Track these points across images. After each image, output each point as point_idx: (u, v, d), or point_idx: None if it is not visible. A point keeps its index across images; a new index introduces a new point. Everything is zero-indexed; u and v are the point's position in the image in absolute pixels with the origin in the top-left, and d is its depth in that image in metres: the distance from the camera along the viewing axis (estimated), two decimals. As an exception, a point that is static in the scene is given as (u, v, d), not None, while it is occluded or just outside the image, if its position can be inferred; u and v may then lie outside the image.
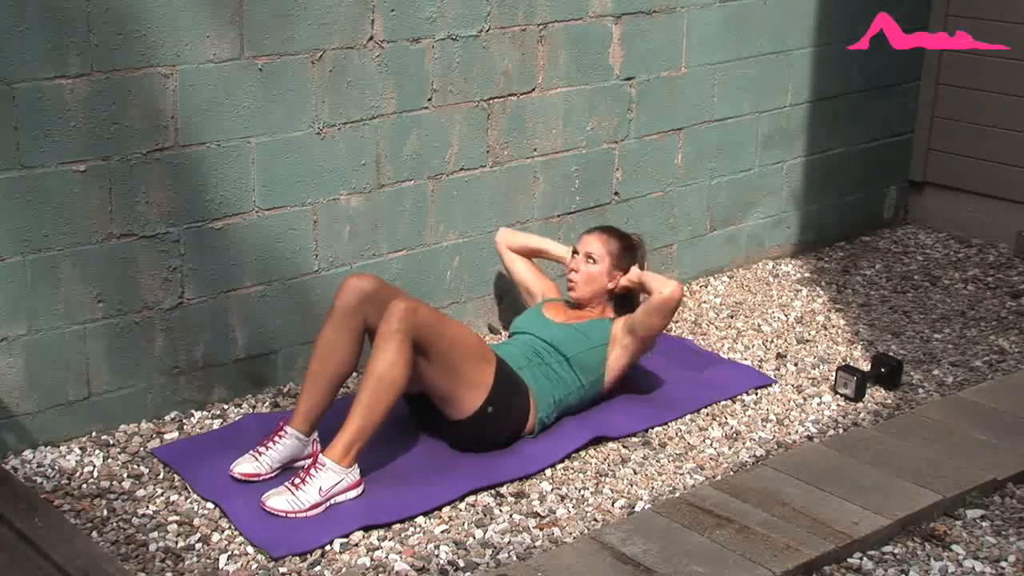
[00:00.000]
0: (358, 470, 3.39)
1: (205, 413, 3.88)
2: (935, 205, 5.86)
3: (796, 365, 4.40)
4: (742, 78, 5.04)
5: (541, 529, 3.33)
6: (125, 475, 3.51)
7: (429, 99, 4.16)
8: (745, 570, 3.01)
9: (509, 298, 4.56)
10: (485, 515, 3.39)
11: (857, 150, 5.61)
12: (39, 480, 3.47)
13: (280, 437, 3.50)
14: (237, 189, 3.81)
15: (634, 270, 4.02)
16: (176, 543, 3.20)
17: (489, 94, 4.30)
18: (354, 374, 3.87)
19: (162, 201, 3.67)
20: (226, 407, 3.93)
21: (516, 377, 3.68)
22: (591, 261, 4.01)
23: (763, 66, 5.10)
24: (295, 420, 3.51)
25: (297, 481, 3.33)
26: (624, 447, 3.79)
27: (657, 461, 3.72)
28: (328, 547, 3.20)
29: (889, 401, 4.14)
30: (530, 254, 4.32)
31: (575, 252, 4.06)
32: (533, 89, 4.42)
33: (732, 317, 4.81)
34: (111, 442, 3.68)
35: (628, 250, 4.05)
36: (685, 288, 5.02)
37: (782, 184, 5.36)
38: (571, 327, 3.94)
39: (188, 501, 3.40)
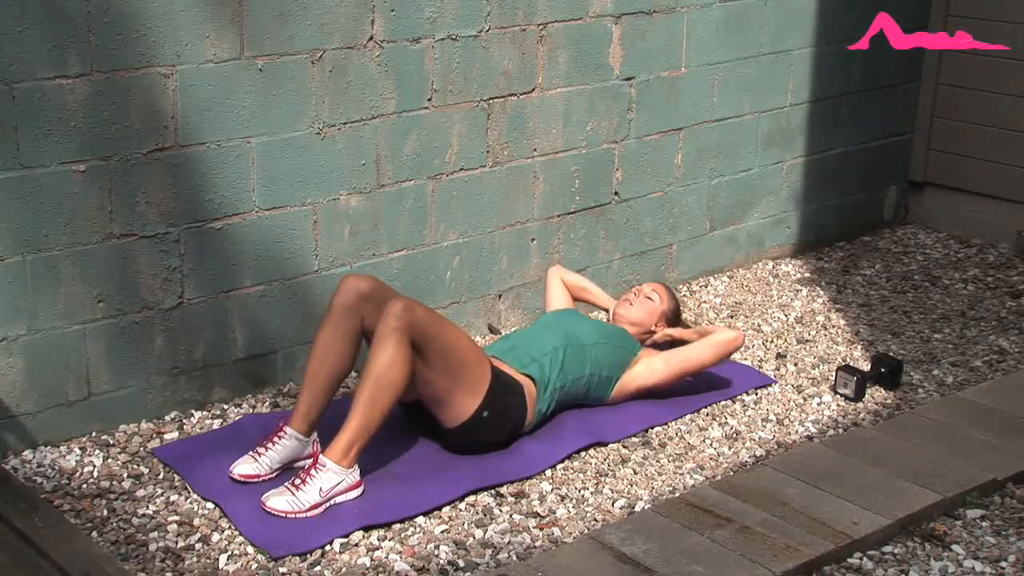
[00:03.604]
0: (358, 470, 3.39)
1: (205, 413, 3.88)
2: (935, 205, 5.86)
3: (796, 365, 4.40)
4: (742, 78, 5.04)
5: (541, 529, 3.33)
6: (125, 475, 3.51)
7: (429, 99, 4.16)
8: (745, 570, 3.01)
9: (509, 298, 4.56)
10: (485, 515, 3.39)
11: (857, 150, 5.61)
12: (39, 480, 3.47)
13: (279, 438, 3.50)
14: (237, 189, 3.81)
15: (679, 329, 4.20)
16: (176, 543, 3.20)
17: (489, 94, 4.30)
18: (353, 374, 3.88)
19: (162, 201, 3.67)
20: (226, 407, 3.93)
21: (509, 378, 3.68)
22: (651, 299, 4.20)
23: (763, 66, 5.10)
24: (294, 420, 3.51)
25: (297, 482, 3.33)
26: (624, 447, 3.79)
27: (657, 461, 3.72)
28: (328, 547, 3.20)
29: (889, 401, 4.14)
30: (578, 292, 4.43)
31: (636, 291, 4.27)
32: (533, 89, 4.42)
33: (732, 317, 4.81)
34: (111, 442, 3.68)
35: (679, 314, 4.27)
36: (685, 289, 5.04)
37: (782, 184, 5.36)
38: (605, 324, 4.10)
39: (188, 501, 3.40)
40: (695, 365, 4.00)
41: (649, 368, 3.97)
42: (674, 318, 4.23)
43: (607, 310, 4.35)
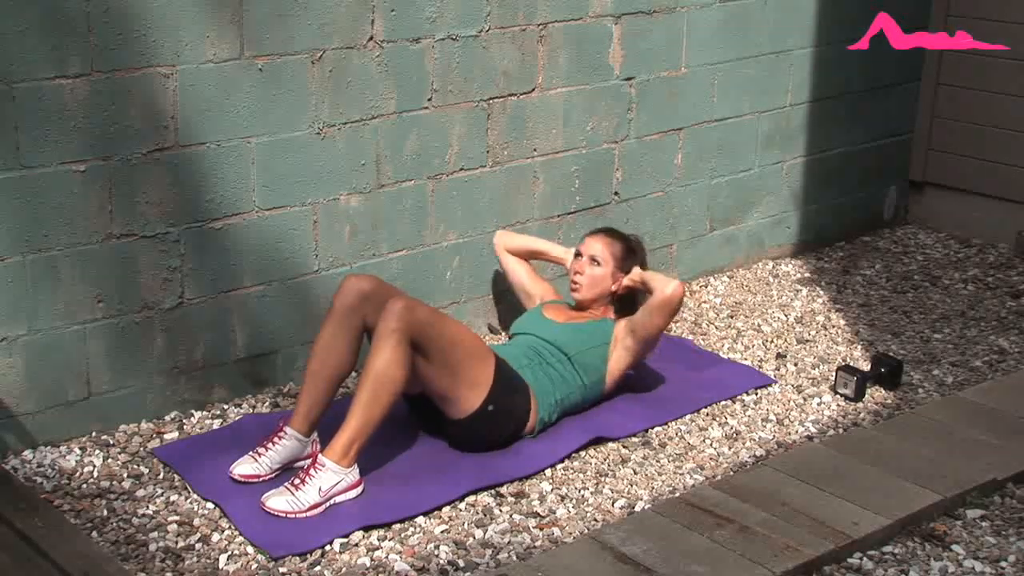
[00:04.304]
0: (358, 470, 3.39)
1: (205, 413, 3.88)
2: (935, 205, 5.86)
3: (796, 365, 4.40)
4: (742, 78, 5.04)
5: (541, 529, 3.33)
6: (125, 475, 3.51)
7: (429, 99, 4.16)
8: (745, 570, 3.01)
9: (509, 298, 4.56)
10: (485, 515, 3.39)
11: (857, 150, 5.61)
12: (39, 480, 3.47)
13: (279, 438, 3.50)
14: (237, 189, 3.81)
15: (636, 270, 4.05)
16: (176, 543, 3.20)
17: (489, 94, 4.30)
18: (353, 373, 3.88)
19: (162, 201, 3.67)
20: (226, 407, 3.93)
21: (516, 376, 3.69)
22: (595, 264, 4.04)
23: (763, 66, 5.10)
24: (294, 420, 3.51)
25: (297, 481, 3.33)
26: (624, 447, 3.79)
27: (657, 461, 3.72)
28: (328, 547, 3.20)
29: (889, 401, 4.14)
30: (529, 256, 4.33)
31: (578, 254, 4.10)
32: (533, 89, 4.42)
33: (732, 317, 4.81)
34: (111, 442, 3.68)
35: (630, 252, 4.09)
36: (685, 288, 5.02)
37: (782, 184, 5.36)
38: (573, 326, 3.96)
39: (188, 501, 3.40)
40: (656, 330, 3.88)
41: (625, 349, 3.92)
42: (627, 263, 4.06)
43: (564, 264, 4.24)
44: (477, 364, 3.55)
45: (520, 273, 4.31)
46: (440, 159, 4.24)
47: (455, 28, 4.15)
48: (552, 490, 3.53)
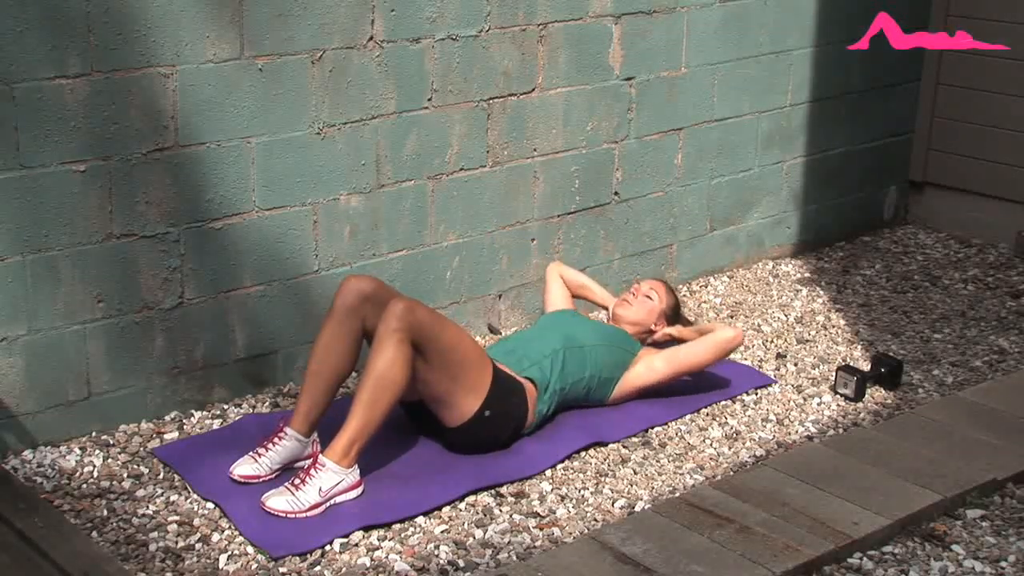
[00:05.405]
0: (358, 470, 3.39)
1: (205, 413, 3.88)
2: (935, 205, 5.86)
3: (796, 365, 4.40)
4: (742, 78, 5.04)
5: (541, 529, 3.33)
6: (125, 475, 3.51)
7: (429, 99, 4.16)
8: (745, 570, 3.01)
9: (509, 298, 4.57)
10: (485, 515, 3.39)
11: (857, 150, 5.61)
12: (39, 480, 3.47)
13: (279, 439, 3.50)
14: (237, 189, 3.81)
15: (678, 327, 4.19)
16: (176, 543, 3.20)
17: (489, 94, 4.30)
18: (353, 374, 3.88)
19: (162, 201, 3.67)
20: (226, 407, 3.93)
21: (511, 378, 3.69)
22: (648, 298, 4.18)
23: (763, 66, 5.10)
24: (294, 421, 3.52)
25: (297, 482, 3.33)
26: (624, 447, 3.79)
27: (657, 461, 3.72)
28: (328, 547, 3.20)
29: (889, 401, 4.14)
30: (577, 289, 4.42)
31: (635, 284, 4.28)
32: (533, 89, 4.42)
33: (732, 317, 4.80)
34: (111, 442, 3.68)
35: (678, 311, 4.25)
36: (685, 289, 5.03)
37: (782, 184, 5.36)
38: (604, 325, 4.09)
39: (188, 501, 3.40)
40: (695, 364, 4.00)
41: (649, 367, 3.98)
42: (673, 315, 4.21)
43: (606, 308, 4.35)
44: (475, 368, 3.55)
45: (560, 299, 4.37)
46: (440, 159, 4.24)
47: (455, 28, 4.15)
48: (552, 490, 3.53)
